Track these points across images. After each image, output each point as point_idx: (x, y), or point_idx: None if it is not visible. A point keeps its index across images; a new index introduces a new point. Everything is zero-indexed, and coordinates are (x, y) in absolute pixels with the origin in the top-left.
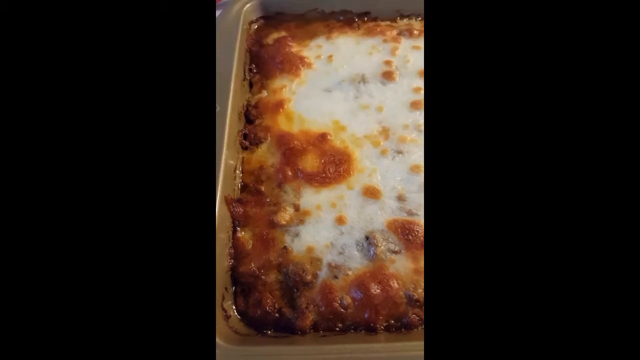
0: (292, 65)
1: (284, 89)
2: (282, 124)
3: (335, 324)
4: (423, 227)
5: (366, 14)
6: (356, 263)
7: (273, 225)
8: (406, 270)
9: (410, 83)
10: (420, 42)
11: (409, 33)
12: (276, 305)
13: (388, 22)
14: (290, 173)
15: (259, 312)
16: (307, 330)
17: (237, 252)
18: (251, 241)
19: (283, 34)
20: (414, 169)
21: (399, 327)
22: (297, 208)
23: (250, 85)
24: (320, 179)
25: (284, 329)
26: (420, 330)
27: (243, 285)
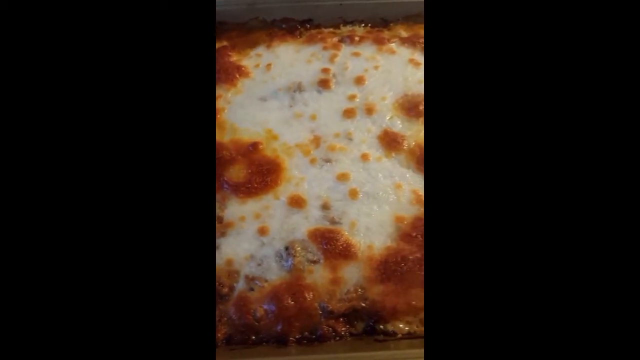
0: (229, 75)
1: (218, 99)
2: None
3: (249, 337)
4: (344, 235)
5: (308, 21)
6: (273, 274)
7: None
8: (323, 280)
9: (346, 91)
10: (361, 49)
11: (350, 39)
12: None
13: (331, 29)
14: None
15: None
16: (218, 343)
17: None
18: None
19: (224, 43)
20: (340, 177)
21: (312, 340)
22: (220, 220)
23: None
24: (246, 190)
25: None
26: (333, 343)
27: None
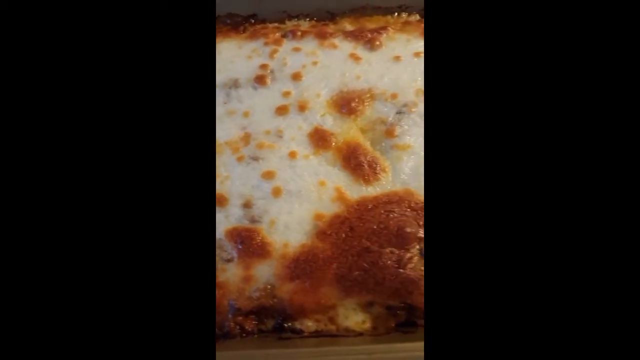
0: None
1: None
2: None
3: None
4: (261, 234)
5: (253, 16)
6: None
7: None
8: (235, 278)
9: (281, 87)
10: (302, 44)
11: (292, 34)
12: None
13: (276, 24)
14: None
15: None
16: None
17: None
18: None
19: None
20: (265, 175)
21: (218, 336)
22: None
23: None
24: None
25: None
26: (240, 340)
27: None
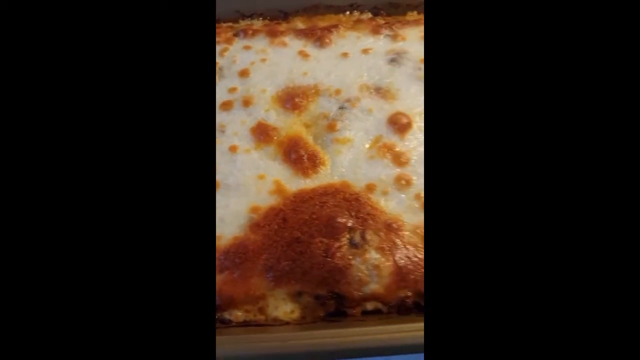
0: None
1: None
2: None
3: None
4: None
5: None
6: None
7: None
8: None
9: (228, 84)
10: (253, 42)
11: (244, 33)
12: None
13: (230, 24)
14: None
15: None
16: None
17: None
18: None
19: None
20: None
21: None
22: None
23: None
24: None
25: None
26: None
27: None
